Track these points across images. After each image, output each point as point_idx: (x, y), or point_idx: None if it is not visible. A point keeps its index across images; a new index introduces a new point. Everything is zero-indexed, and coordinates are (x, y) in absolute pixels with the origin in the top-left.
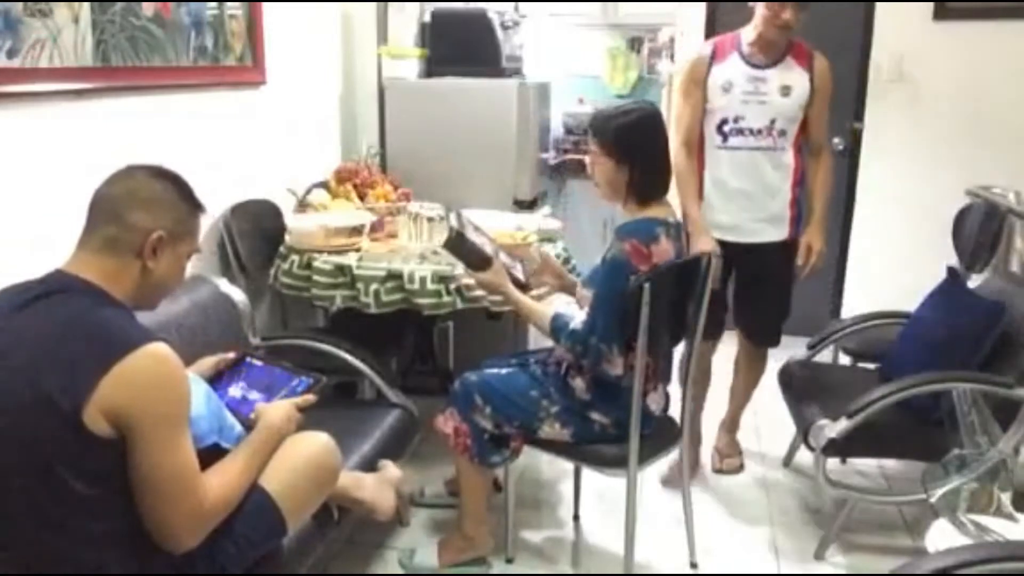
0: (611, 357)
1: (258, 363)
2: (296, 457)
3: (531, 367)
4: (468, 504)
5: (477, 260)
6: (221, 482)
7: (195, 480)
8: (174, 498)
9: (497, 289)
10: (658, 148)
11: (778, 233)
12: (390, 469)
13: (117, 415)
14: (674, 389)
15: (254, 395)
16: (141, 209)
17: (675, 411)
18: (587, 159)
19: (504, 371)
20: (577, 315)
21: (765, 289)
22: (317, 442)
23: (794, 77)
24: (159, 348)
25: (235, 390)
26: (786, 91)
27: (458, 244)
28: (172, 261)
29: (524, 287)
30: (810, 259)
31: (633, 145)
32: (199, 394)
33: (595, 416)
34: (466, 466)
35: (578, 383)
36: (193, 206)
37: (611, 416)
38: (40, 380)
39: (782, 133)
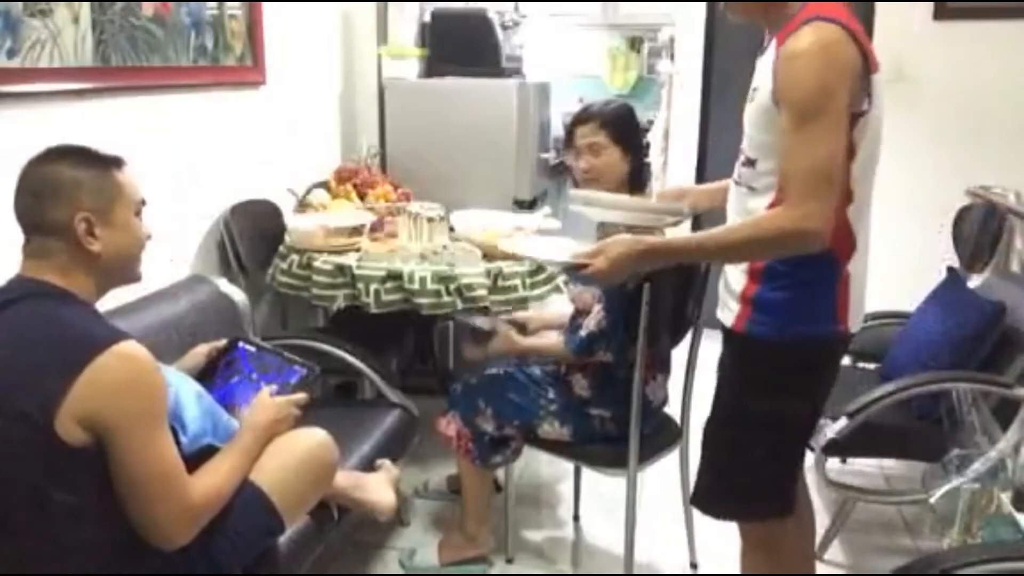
0: (631, 348)
1: (251, 348)
2: (292, 453)
3: (530, 367)
4: (470, 504)
5: (480, 335)
6: (208, 479)
7: (179, 476)
8: (159, 495)
9: (511, 351)
10: (643, 142)
11: (727, 317)
12: (389, 468)
13: (91, 420)
14: (674, 388)
15: (254, 380)
16: (49, 204)
17: (675, 412)
18: (581, 156)
19: (503, 371)
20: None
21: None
22: (314, 438)
23: (764, 70)
24: (126, 347)
25: (234, 379)
26: (752, 95)
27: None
28: (117, 230)
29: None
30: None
31: (635, 135)
32: (189, 395)
33: (594, 412)
34: (468, 468)
35: (579, 379)
36: (102, 167)
37: (611, 410)
38: (9, 393)
39: (749, 163)
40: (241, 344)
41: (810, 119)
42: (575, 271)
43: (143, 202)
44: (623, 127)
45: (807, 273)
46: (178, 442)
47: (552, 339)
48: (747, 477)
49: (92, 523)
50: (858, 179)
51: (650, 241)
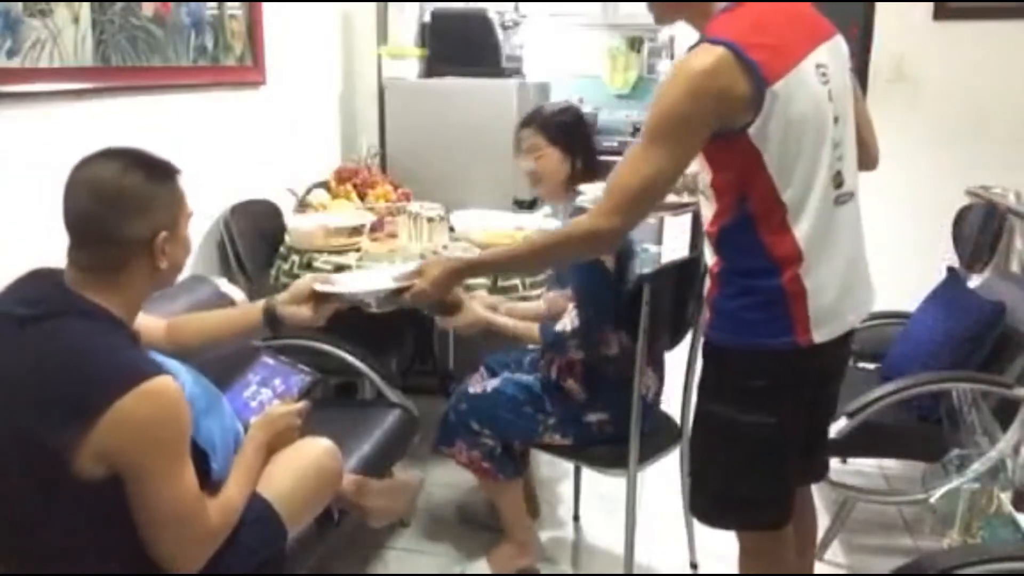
0: (606, 338)
1: (270, 361)
2: (297, 462)
3: (522, 374)
4: (510, 516)
5: (448, 306)
6: (221, 503)
7: (199, 508)
8: (180, 529)
9: (476, 327)
10: (591, 141)
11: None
12: (409, 477)
13: (113, 457)
14: (674, 389)
15: (263, 394)
16: (129, 217)
17: (675, 410)
18: (525, 159)
19: (490, 388)
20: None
21: None
22: (319, 447)
23: None
24: (152, 386)
25: (248, 392)
26: None
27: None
28: (179, 244)
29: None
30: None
31: (576, 137)
32: (212, 431)
33: (592, 417)
34: (494, 486)
35: (572, 385)
36: (167, 179)
37: (608, 411)
38: (29, 421)
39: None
40: (264, 357)
41: (651, 140)
42: (397, 296)
43: (191, 213)
44: (561, 129)
45: (749, 283)
46: (209, 468)
47: (528, 326)
48: (724, 485)
49: (93, 552)
50: (785, 187)
51: (466, 258)
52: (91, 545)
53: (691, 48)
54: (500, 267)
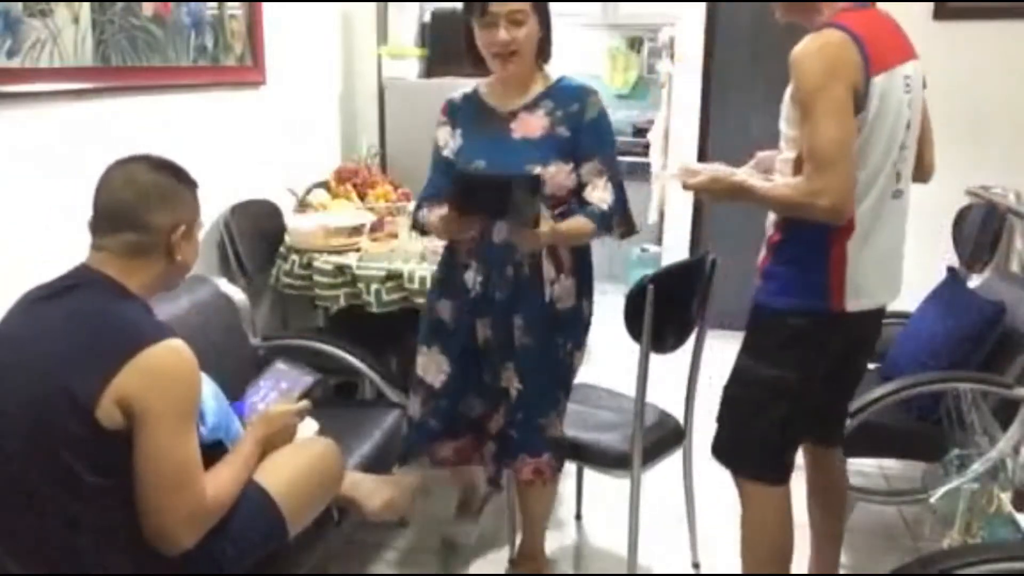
0: None
1: (282, 367)
2: (300, 460)
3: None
4: (543, 522)
5: (535, 218)
6: (214, 483)
7: (197, 474)
8: (175, 489)
9: (547, 240)
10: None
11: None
12: (408, 476)
13: (130, 404)
14: (677, 390)
15: (271, 396)
16: (157, 209)
17: (678, 411)
18: (499, 28)
19: (539, 395)
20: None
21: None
22: (321, 447)
23: None
24: (176, 343)
25: (258, 396)
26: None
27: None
28: (192, 244)
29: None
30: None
31: (547, 9)
32: (208, 392)
33: (563, 300)
34: (553, 487)
35: (545, 275)
36: (190, 185)
37: (574, 276)
38: (57, 370)
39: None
40: (278, 364)
41: (810, 111)
42: None
43: (202, 224)
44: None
45: (803, 252)
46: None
47: (578, 225)
48: (736, 429)
49: (110, 506)
50: (862, 168)
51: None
52: (113, 498)
53: (810, 34)
54: (749, 195)
